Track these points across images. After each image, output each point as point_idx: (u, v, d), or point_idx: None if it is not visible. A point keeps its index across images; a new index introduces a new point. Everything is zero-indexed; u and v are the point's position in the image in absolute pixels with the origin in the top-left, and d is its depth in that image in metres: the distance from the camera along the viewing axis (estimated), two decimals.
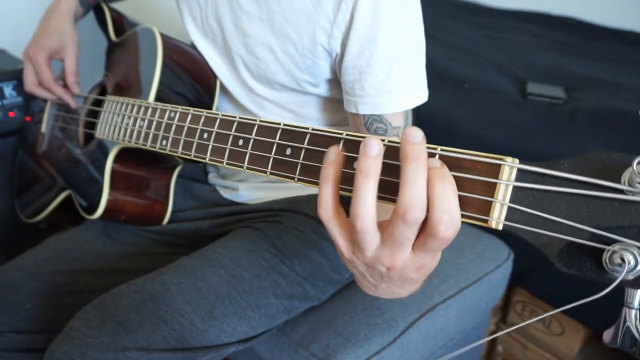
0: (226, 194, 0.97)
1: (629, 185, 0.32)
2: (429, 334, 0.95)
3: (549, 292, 1.29)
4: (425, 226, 0.39)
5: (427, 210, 0.38)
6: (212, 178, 1.01)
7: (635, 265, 0.32)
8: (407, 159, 0.37)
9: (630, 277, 0.32)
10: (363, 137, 0.45)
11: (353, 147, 0.45)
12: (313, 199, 0.89)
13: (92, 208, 0.88)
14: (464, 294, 1.01)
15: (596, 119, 1.37)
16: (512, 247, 1.15)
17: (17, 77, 1.17)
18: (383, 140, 0.43)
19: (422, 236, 0.40)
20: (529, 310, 1.38)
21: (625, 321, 0.34)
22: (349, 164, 0.44)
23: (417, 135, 0.38)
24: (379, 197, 0.41)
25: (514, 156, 0.38)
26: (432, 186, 0.37)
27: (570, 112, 1.41)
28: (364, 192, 0.39)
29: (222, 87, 0.92)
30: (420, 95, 0.76)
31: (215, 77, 0.91)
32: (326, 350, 0.85)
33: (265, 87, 0.86)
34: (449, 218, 0.37)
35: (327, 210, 0.42)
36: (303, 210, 0.88)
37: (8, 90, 1.17)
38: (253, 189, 0.94)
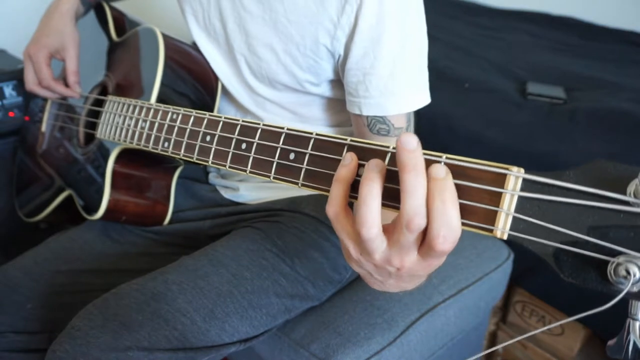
0: (227, 194, 0.97)
1: (635, 197, 0.32)
2: (429, 334, 0.95)
3: (549, 292, 1.29)
4: (424, 237, 0.40)
5: (427, 221, 0.38)
6: (213, 178, 1.01)
7: None
8: (405, 168, 0.38)
9: (635, 289, 0.32)
10: (367, 144, 0.45)
11: (357, 153, 0.45)
12: (314, 199, 0.89)
13: (93, 208, 0.88)
14: (464, 294, 1.01)
15: (596, 119, 1.36)
16: (512, 247, 1.15)
17: (17, 77, 1.17)
18: (388, 147, 0.44)
19: (423, 246, 0.41)
20: (529, 310, 1.39)
21: (628, 332, 0.34)
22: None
23: (411, 142, 0.38)
24: (384, 205, 0.42)
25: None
26: (431, 200, 0.38)
27: (570, 112, 1.41)
28: (369, 200, 0.40)
29: (224, 88, 0.92)
30: (423, 97, 0.76)
31: (216, 77, 0.91)
32: (326, 350, 0.85)
33: (267, 87, 0.86)
34: (447, 231, 0.38)
35: (334, 206, 0.44)
36: (304, 210, 0.88)
37: (8, 90, 1.17)
38: (254, 189, 0.93)
